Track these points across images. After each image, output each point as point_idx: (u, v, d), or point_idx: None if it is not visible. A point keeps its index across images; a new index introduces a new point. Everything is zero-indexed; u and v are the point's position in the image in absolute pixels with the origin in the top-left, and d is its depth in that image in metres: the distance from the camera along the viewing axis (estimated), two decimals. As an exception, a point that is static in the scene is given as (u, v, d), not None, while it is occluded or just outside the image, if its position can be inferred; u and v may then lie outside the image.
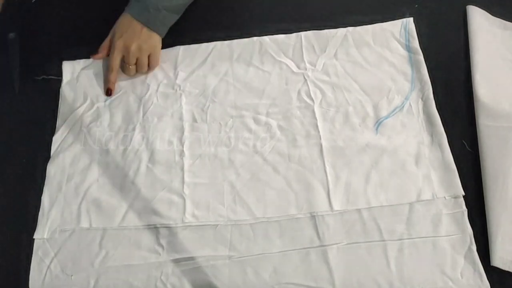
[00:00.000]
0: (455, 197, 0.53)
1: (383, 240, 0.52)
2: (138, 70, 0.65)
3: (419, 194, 0.54)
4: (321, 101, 0.62)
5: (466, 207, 0.53)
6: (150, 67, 0.65)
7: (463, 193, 0.53)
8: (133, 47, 0.62)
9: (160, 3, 0.62)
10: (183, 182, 0.58)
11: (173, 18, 0.66)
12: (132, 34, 0.63)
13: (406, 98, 0.60)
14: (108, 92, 0.64)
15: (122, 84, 0.66)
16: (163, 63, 0.67)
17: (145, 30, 0.63)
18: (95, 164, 0.60)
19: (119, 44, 0.63)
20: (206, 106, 0.63)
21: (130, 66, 0.64)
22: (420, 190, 0.54)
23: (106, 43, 0.66)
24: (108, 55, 0.65)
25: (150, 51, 0.64)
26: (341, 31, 0.66)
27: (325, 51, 0.65)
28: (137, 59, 0.64)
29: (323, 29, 0.67)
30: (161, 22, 0.64)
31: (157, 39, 0.65)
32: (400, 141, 0.58)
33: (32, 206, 0.58)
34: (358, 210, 0.54)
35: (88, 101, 0.65)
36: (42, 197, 0.58)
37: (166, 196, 0.57)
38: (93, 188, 0.58)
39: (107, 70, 0.65)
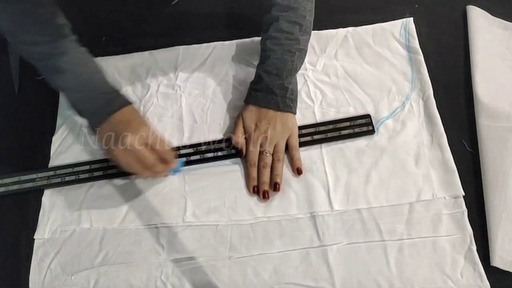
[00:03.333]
0: (455, 197, 0.54)
1: (383, 240, 0.52)
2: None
3: (419, 194, 0.54)
4: (321, 101, 0.62)
5: (466, 207, 0.53)
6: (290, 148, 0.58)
7: (463, 193, 0.53)
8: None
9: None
10: (184, 182, 0.58)
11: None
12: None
13: (407, 99, 0.60)
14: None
15: (122, 84, 0.66)
16: (163, 63, 0.67)
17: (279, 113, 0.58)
18: (95, 164, 0.60)
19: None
20: (206, 107, 0.63)
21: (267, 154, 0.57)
22: (420, 190, 0.54)
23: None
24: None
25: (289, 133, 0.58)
26: (341, 31, 0.66)
27: (325, 52, 0.65)
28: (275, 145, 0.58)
29: (323, 29, 0.67)
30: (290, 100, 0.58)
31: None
32: (400, 141, 0.58)
33: (32, 206, 0.58)
34: (358, 210, 0.54)
35: (88, 101, 0.65)
36: (43, 197, 0.58)
37: (166, 196, 0.57)
38: (94, 188, 0.58)
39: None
